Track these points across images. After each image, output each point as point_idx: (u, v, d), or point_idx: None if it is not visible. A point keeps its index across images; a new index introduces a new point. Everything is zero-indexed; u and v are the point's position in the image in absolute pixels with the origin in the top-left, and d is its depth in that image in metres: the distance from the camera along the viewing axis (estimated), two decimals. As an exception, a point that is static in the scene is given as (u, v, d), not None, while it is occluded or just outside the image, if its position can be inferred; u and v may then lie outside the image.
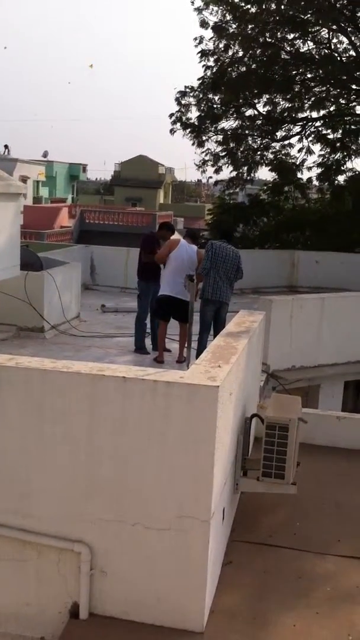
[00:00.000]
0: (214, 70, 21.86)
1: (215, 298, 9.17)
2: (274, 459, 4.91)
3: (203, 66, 21.98)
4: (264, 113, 22.35)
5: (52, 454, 3.99)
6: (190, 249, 9.52)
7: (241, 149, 22.75)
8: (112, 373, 3.91)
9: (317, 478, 6.27)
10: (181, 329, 9.65)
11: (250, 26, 20.62)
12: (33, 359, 4.19)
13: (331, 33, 20.86)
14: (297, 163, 22.86)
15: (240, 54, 21.51)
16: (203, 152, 22.70)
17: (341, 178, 22.81)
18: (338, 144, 22.11)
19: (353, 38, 20.43)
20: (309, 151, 22.39)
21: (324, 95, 21.50)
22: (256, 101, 22.12)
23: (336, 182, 22.74)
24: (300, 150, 22.63)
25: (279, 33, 20.87)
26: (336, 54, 21.09)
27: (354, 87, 21.28)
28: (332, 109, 22.09)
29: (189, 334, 9.16)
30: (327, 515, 5.69)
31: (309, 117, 22.19)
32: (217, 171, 23.11)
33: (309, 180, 23.31)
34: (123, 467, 3.91)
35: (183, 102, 22.45)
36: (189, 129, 22.46)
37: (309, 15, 20.15)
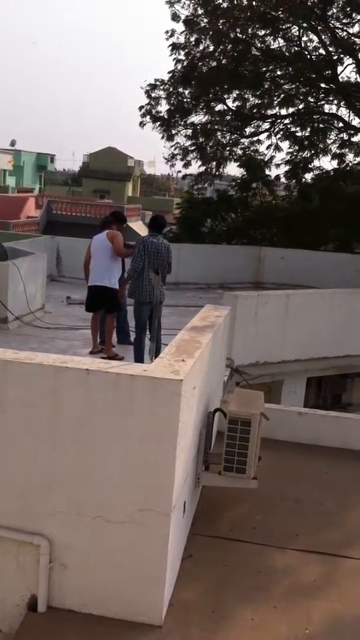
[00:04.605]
0: (185, 64, 21.81)
1: (151, 300, 8.58)
2: (236, 454, 4.94)
3: (174, 59, 21.92)
4: (234, 108, 22.40)
5: (13, 445, 3.95)
6: (101, 235, 9.47)
7: (210, 144, 22.76)
8: (75, 365, 3.88)
9: (278, 473, 6.32)
10: (106, 320, 9.45)
11: (221, 21, 20.59)
12: (-5, 349, 4.14)
13: (301, 31, 20.91)
14: (266, 160, 22.98)
15: (211, 48, 21.47)
16: (172, 145, 22.68)
17: (308, 176, 23.01)
18: (306, 142, 22.25)
19: (323, 36, 20.52)
20: (278, 148, 22.54)
21: (293, 92, 21.59)
22: (226, 96, 22.14)
23: (303, 180, 22.92)
24: (268, 147, 22.78)
25: (249, 29, 20.89)
26: (306, 52, 21.17)
27: (322, 85, 21.43)
28: (301, 106, 22.19)
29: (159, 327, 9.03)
30: (287, 510, 5.74)
31: (278, 114, 22.30)
32: (186, 165, 23.12)
33: (277, 177, 23.44)
34: (84, 460, 3.89)
35: (153, 95, 22.36)
36: (158, 122, 22.39)
37: (280, 12, 20.19)
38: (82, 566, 4.00)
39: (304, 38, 21.20)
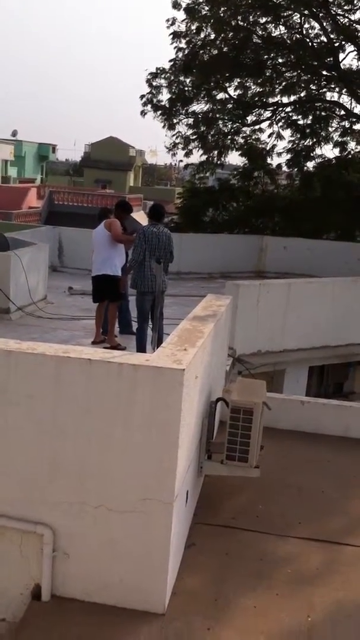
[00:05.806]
0: (186, 52, 21.71)
1: (152, 289, 8.53)
2: (238, 443, 4.95)
3: (175, 48, 21.84)
4: (235, 97, 22.29)
5: (16, 435, 3.96)
6: (99, 227, 9.54)
7: (212, 133, 22.67)
8: (77, 355, 3.89)
9: (280, 462, 6.34)
10: (109, 309, 9.51)
11: (222, 9, 20.47)
12: (-3, 339, 4.14)
13: (303, 18, 20.78)
14: (267, 148, 22.91)
15: (212, 36, 21.36)
16: (174, 135, 22.61)
17: (310, 164, 22.96)
18: (308, 130, 22.17)
19: (324, 24, 20.39)
20: (279, 136, 22.45)
21: (294, 80, 21.50)
22: (227, 85, 22.03)
23: (305, 168, 22.85)
24: (270, 136, 22.72)
25: (251, 17, 20.78)
26: (307, 40, 21.06)
27: (324, 73, 21.31)
28: (302, 94, 22.11)
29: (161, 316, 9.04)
30: (289, 498, 5.75)
31: (280, 102, 22.20)
32: (187, 154, 23.05)
33: (279, 166, 23.38)
34: (87, 449, 3.90)
35: (154, 83, 22.30)
36: (159, 111, 22.31)
37: (281, 0, 20.08)
38: (85, 555, 4.02)
39: (306, 25, 21.13)
